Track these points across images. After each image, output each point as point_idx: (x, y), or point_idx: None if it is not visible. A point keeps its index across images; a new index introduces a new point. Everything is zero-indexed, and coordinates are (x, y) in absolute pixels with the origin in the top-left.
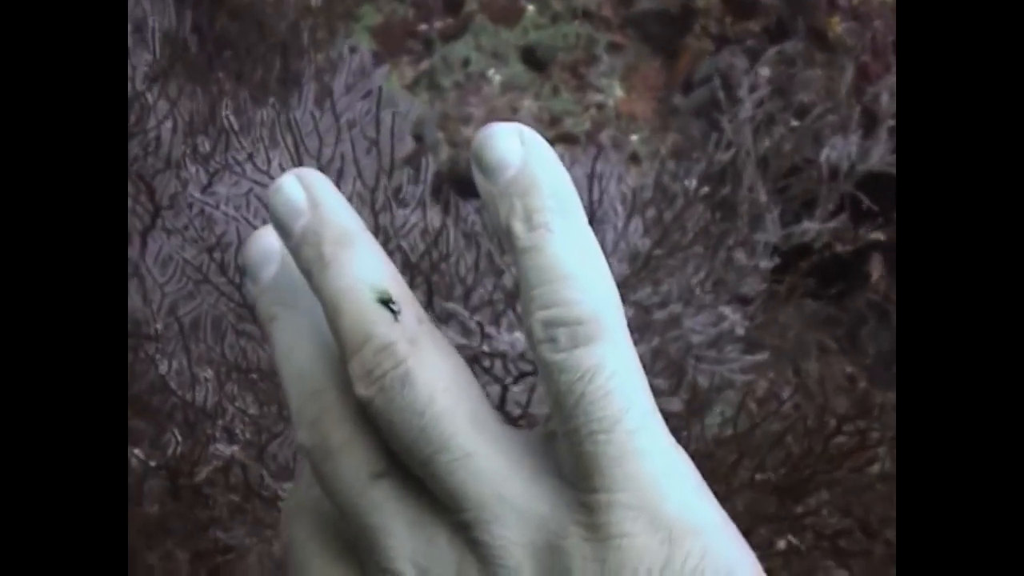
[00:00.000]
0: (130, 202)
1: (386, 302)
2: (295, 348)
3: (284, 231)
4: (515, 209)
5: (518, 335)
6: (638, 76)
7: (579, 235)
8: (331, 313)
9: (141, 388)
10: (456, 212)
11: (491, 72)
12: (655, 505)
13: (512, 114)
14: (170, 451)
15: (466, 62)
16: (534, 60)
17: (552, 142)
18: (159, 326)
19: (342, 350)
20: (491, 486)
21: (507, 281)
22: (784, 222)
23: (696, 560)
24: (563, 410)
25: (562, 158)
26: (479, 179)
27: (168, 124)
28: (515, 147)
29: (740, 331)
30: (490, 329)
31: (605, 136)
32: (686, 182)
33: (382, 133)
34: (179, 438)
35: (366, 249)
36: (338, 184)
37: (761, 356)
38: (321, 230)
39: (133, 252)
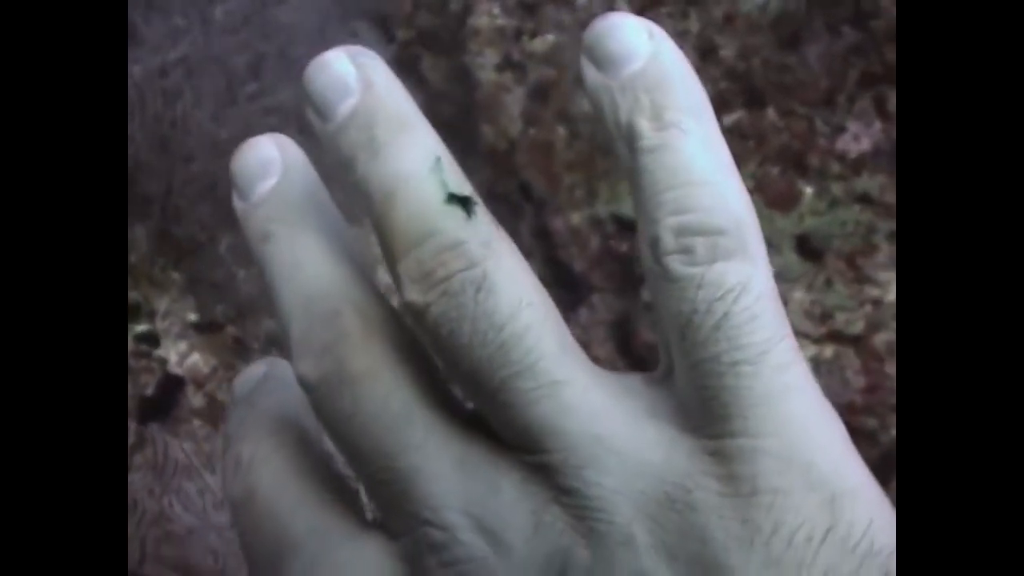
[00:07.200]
0: None
1: (457, 200)
2: (300, 267)
3: (325, 112)
4: (641, 104)
5: None
6: None
7: (716, 141)
8: (381, 203)
9: None
10: None
11: None
12: (808, 458)
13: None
14: None
15: None
16: (808, 249)
17: (823, 340)
18: None
19: (390, 248)
20: (586, 423)
21: None
22: None
23: (862, 529)
24: (697, 334)
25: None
26: (590, 73)
27: None
28: (644, 39)
29: None
30: None
31: (880, 340)
32: None
33: None
34: None
35: (430, 138)
36: None
37: None
38: (375, 110)
39: None
